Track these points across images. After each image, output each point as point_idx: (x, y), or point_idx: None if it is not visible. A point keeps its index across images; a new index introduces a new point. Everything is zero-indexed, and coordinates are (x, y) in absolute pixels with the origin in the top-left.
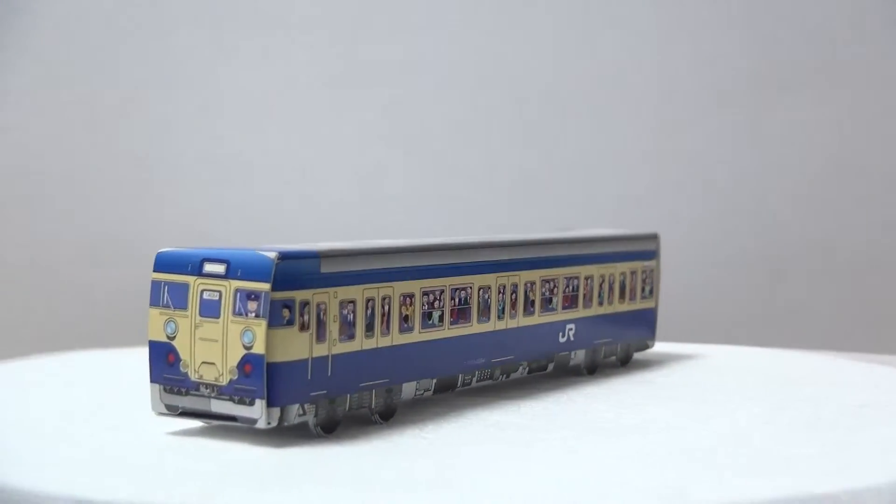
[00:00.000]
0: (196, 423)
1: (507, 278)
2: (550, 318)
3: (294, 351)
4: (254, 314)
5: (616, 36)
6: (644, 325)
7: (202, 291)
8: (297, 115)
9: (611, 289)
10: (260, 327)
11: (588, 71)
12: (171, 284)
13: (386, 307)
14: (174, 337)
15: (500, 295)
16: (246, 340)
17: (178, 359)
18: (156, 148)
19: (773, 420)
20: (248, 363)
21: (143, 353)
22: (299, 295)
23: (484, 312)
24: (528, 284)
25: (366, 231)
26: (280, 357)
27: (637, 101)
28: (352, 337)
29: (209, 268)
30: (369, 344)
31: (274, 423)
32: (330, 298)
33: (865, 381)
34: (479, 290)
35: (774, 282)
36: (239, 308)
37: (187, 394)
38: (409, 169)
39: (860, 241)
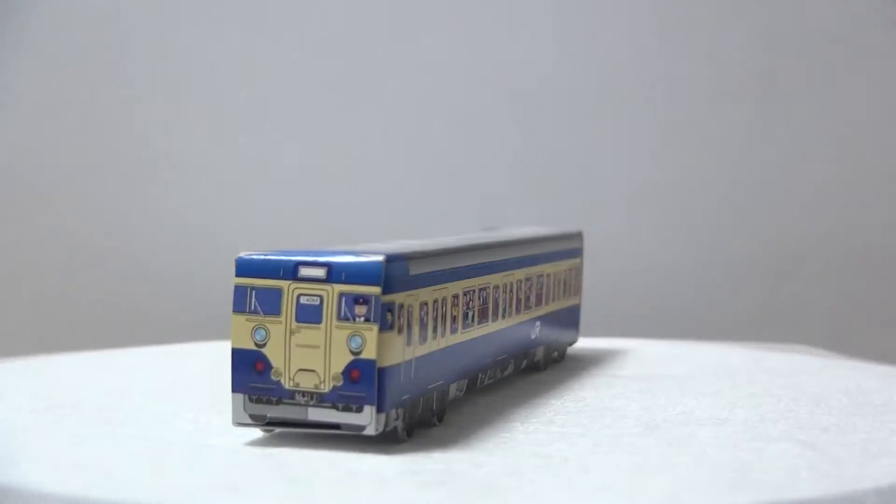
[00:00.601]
0: (253, 432)
1: (507, 277)
2: (528, 315)
3: (396, 355)
4: (363, 318)
5: (616, 35)
6: (573, 321)
7: (299, 296)
8: (295, 115)
9: (557, 286)
10: (371, 332)
11: (587, 70)
12: (259, 290)
13: (444, 308)
14: (264, 344)
15: (504, 294)
16: (354, 345)
17: (268, 367)
18: (154, 148)
19: (792, 409)
20: (356, 369)
21: (151, 354)
22: (398, 298)
23: (495, 311)
24: (518, 283)
25: (358, 231)
26: (387, 361)
27: (636, 101)
28: (425, 339)
29: (306, 272)
30: (434, 346)
31: (380, 429)
32: (414, 301)
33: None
34: (493, 289)
35: (776, 281)
36: (345, 313)
37: (279, 403)
38: (401, 168)
39: (860, 241)
